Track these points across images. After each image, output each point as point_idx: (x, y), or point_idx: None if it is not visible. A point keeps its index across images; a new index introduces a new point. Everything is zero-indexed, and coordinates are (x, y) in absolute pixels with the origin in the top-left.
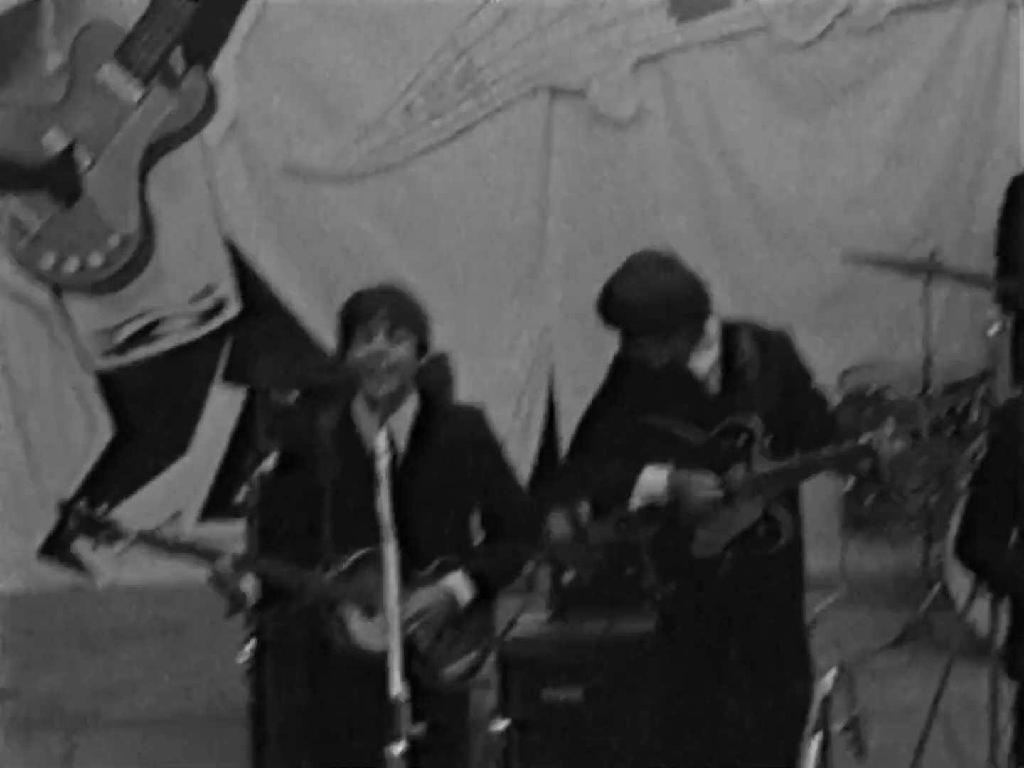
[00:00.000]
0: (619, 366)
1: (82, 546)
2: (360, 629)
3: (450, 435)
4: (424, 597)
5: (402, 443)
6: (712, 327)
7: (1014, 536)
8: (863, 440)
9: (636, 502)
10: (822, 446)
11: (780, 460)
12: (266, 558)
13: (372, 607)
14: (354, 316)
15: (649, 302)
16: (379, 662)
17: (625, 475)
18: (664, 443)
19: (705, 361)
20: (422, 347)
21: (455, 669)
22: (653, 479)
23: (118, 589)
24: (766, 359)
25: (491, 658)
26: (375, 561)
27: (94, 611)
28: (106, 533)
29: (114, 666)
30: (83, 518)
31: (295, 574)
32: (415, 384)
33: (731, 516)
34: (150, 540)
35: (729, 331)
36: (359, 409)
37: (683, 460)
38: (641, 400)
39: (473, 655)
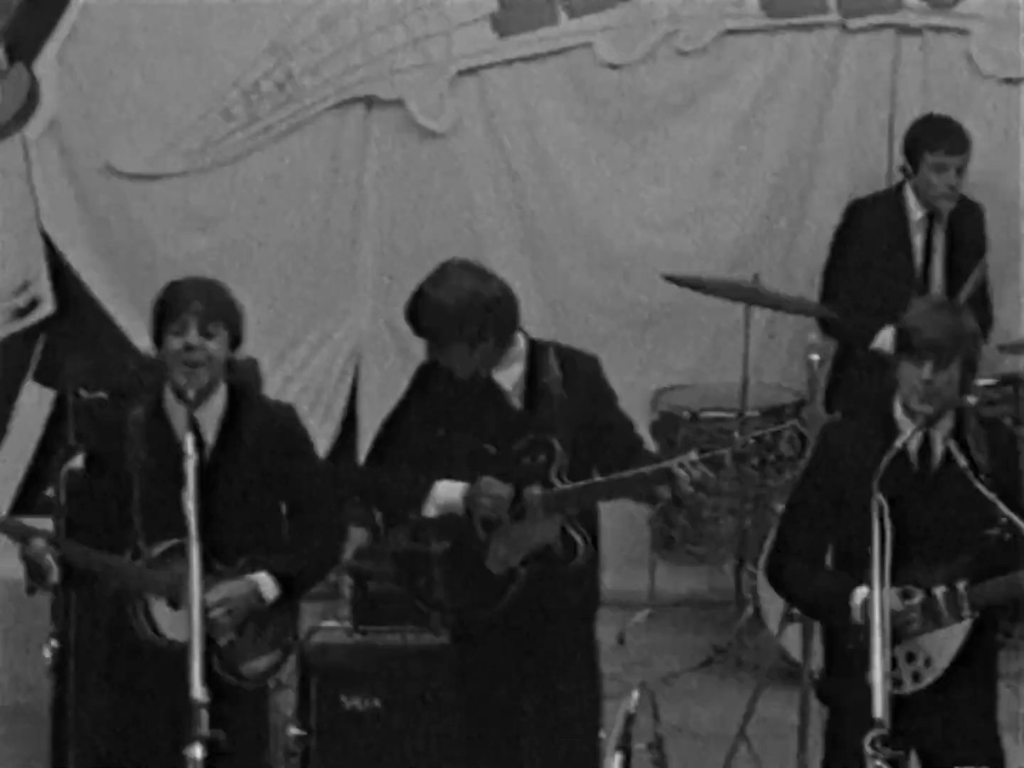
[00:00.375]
0: (424, 374)
1: None
2: (164, 619)
3: (260, 429)
4: (228, 587)
5: (210, 436)
6: (520, 341)
7: (829, 560)
8: (662, 465)
9: (430, 510)
10: (623, 470)
11: (578, 480)
12: (76, 543)
13: (178, 598)
14: (167, 308)
15: (459, 309)
16: (178, 656)
17: (421, 485)
18: (464, 456)
19: (510, 375)
20: (235, 341)
21: (255, 666)
22: (447, 491)
23: None
24: (572, 380)
25: (291, 661)
26: (183, 552)
27: None
28: None
29: None
30: None
31: (103, 559)
32: (225, 378)
33: (526, 532)
34: None
35: (536, 349)
36: (169, 401)
37: (481, 471)
38: (443, 410)
39: (274, 653)
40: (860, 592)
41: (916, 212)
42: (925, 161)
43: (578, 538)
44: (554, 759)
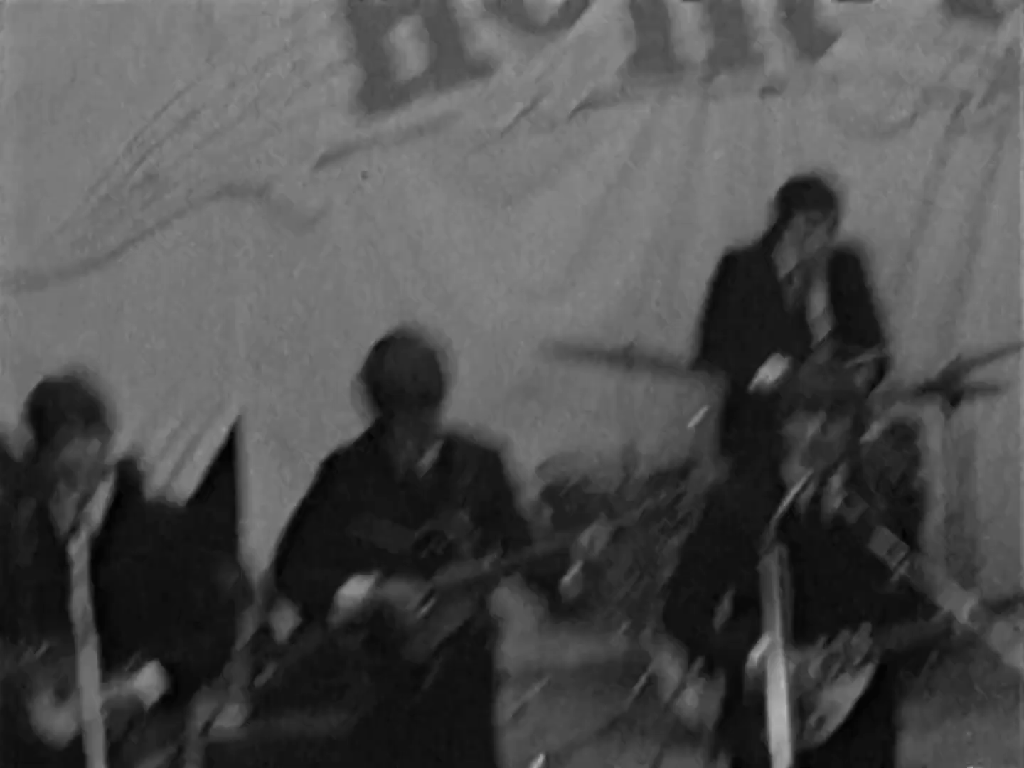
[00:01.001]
0: (333, 466)
1: None
2: (45, 715)
3: (145, 525)
4: (111, 693)
5: (95, 528)
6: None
7: (725, 610)
8: (562, 543)
9: (337, 617)
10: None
11: (483, 560)
12: None
13: (63, 692)
14: (44, 412)
15: (444, 368)
16: (64, 754)
17: (329, 586)
18: (370, 549)
19: (428, 459)
20: (109, 433)
21: (148, 765)
22: (351, 594)
23: None
24: (476, 470)
25: (190, 754)
26: (68, 651)
27: None
28: None
29: None
30: None
31: None
32: (107, 468)
33: (439, 620)
34: None
35: (447, 435)
36: (54, 501)
37: (386, 567)
38: (352, 498)
39: (164, 751)
40: (755, 654)
41: (789, 262)
42: (796, 219)
43: (493, 616)
44: None
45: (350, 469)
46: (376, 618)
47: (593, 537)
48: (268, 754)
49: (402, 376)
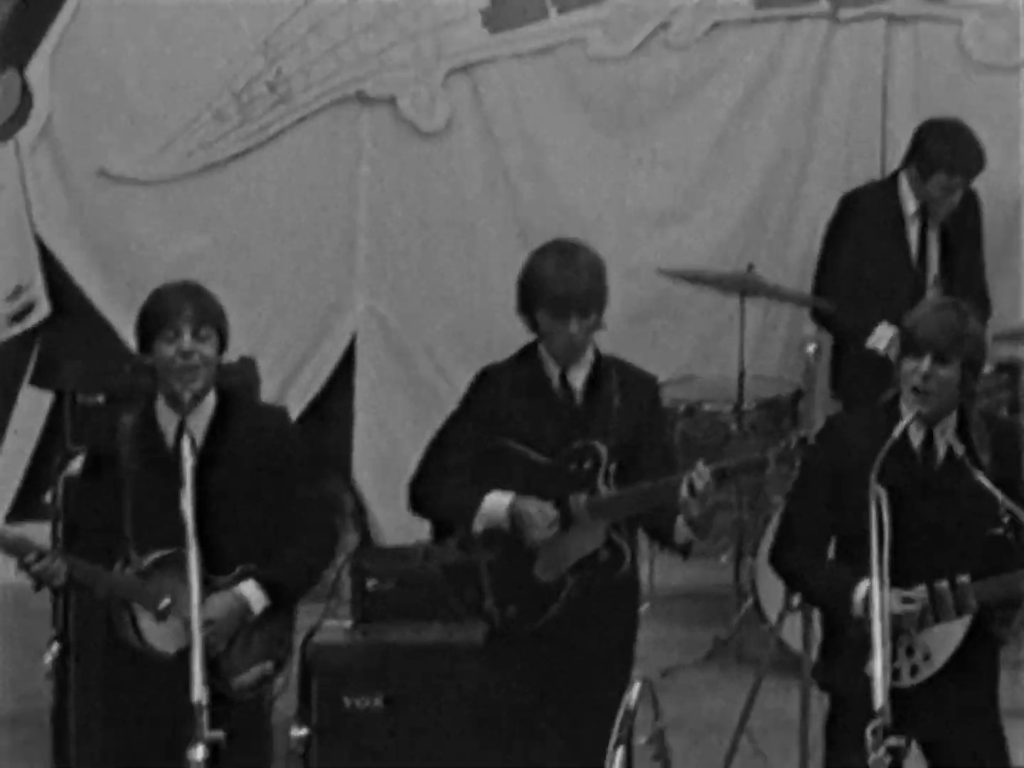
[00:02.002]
0: (484, 380)
1: None
2: (151, 630)
3: (250, 434)
4: (215, 606)
5: (199, 441)
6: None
7: (831, 551)
8: (721, 465)
9: (478, 527)
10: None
11: (622, 488)
12: (69, 554)
13: (163, 613)
14: (157, 314)
15: (602, 275)
16: (171, 665)
17: (471, 497)
18: (513, 462)
19: (579, 376)
20: (223, 345)
21: (245, 679)
22: (494, 506)
23: None
24: (630, 394)
25: (289, 667)
26: (173, 563)
27: None
28: None
29: None
30: None
31: (92, 571)
32: (214, 383)
33: (573, 541)
34: None
35: (601, 358)
36: (160, 407)
37: (530, 480)
38: (502, 415)
39: (265, 665)
40: (862, 587)
41: (910, 204)
42: (936, 178)
43: (624, 545)
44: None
45: (503, 382)
46: (511, 535)
47: (694, 479)
48: (371, 660)
49: (548, 277)
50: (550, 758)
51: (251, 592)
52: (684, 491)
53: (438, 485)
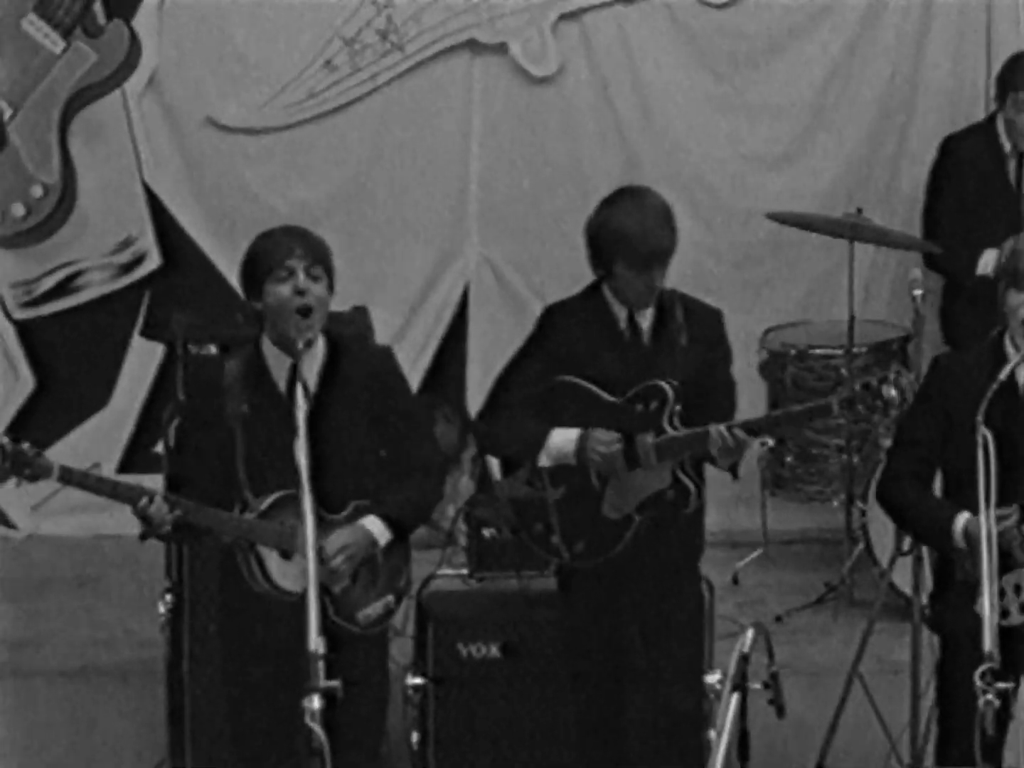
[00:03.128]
0: (552, 317)
1: (0, 495)
2: (277, 569)
3: (359, 374)
4: (345, 535)
5: (312, 385)
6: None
7: (938, 488)
8: (801, 408)
9: (544, 460)
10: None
11: (688, 428)
12: (187, 499)
13: (289, 548)
14: (268, 258)
15: (668, 231)
16: (297, 604)
17: (537, 432)
18: (580, 400)
19: (646, 316)
20: (330, 286)
21: (369, 612)
22: (562, 441)
23: (37, 540)
24: (695, 330)
25: (405, 605)
26: (291, 502)
27: (13, 562)
28: (30, 470)
29: (31, 617)
30: (8, 453)
31: (213, 515)
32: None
33: (640, 479)
34: (72, 477)
35: (664, 295)
36: (269, 351)
37: (597, 419)
38: (569, 353)
39: (388, 598)
40: (960, 519)
41: (1006, 144)
42: (1010, 99)
43: (690, 485)
44: (659, 703)
45: (571, 321)
46: (579, 468)
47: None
48: (487, 608)
49: (630, 231)
50: (635, 697)
51: (375, 526)
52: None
53: (504, 420)
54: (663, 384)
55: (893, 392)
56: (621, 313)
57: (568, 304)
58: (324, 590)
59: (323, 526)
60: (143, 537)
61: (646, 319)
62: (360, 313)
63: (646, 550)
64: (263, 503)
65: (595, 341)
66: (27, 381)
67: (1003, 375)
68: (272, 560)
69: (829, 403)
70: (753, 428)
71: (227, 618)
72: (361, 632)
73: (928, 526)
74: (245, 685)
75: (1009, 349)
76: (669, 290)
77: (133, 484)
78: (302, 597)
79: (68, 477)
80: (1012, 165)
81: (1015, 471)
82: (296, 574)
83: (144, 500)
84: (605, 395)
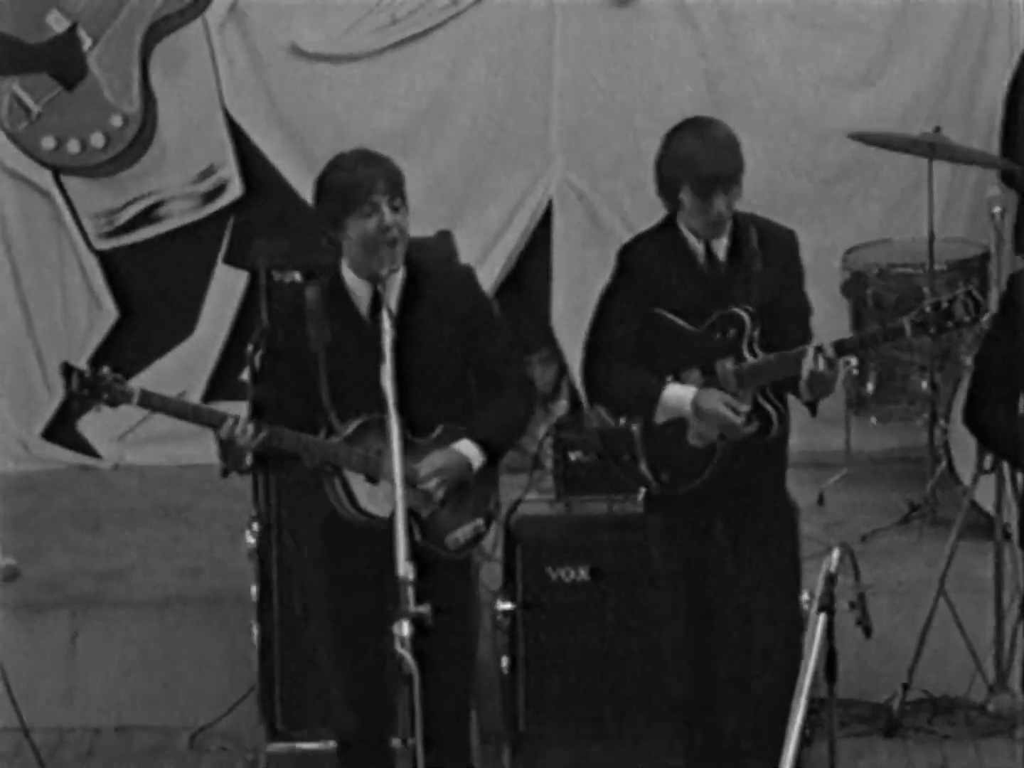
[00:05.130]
0: (629, 254)
1: (86, 426)
2: (364, 494)
3: (440, 296)
4: (439, 458)
5: (393, 308)
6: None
7: (1022, 405)
8: (862, 334)
9: (660, 418)
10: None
11: (767, 353)
12: (274, 426)
13: (376, 472)
14: (351, 189)
15: (732, 157)
16: (384, 527)
17: (650, 389)
18: (665, 332)
19: (721, 244)
20: (407, 206)
21: (459, 535)
22: (678, 401)
23: (122, 470)
24: (769, 254)
25: (494, 531)
26: (377, 427)
27: (98, 492)
28: (109, 395)
29: (118, 548)
30: (87, 379)
31: (301, 438)
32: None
33: (721, 405)
34: (152, 401)
35: (738, 220)
36: (350, 278)
37: (679, 350)
38: (651, 287)
39: (477, 522)
40: None
41: None
42: None
43: (771, 410)
44: (759, 620)
45: (648, 256)
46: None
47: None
48: (574, 532)
49: (692, 157)
50: (734, 615)
51: (469, 450)
52: (809, 365)
53: (611, 369)
54: (740, 311)
55: (963, 312)
56: (697, 245)
57: (644, 239)
58: (412, 514)
59: (411, 450)
60: (225, 473)
61: (722, 247)
62: (444, 237)
63: (732, 476)
64: (348, 428)
65: (673, 274)
66: (110, 312)
67: None
68: (359, 485)
69: (901, 325)
70: (834, 350)
71: (315, 544)
72: (450, 556)
73: (1016, 447)
74: (337, 611)
75: None
76: (744, 214)
77: (214, 409)
78: (390, 521)
79: (148, 401)
80: None
81: None
82: (383, 498)
83: (230, 421)
84: (686, 325)
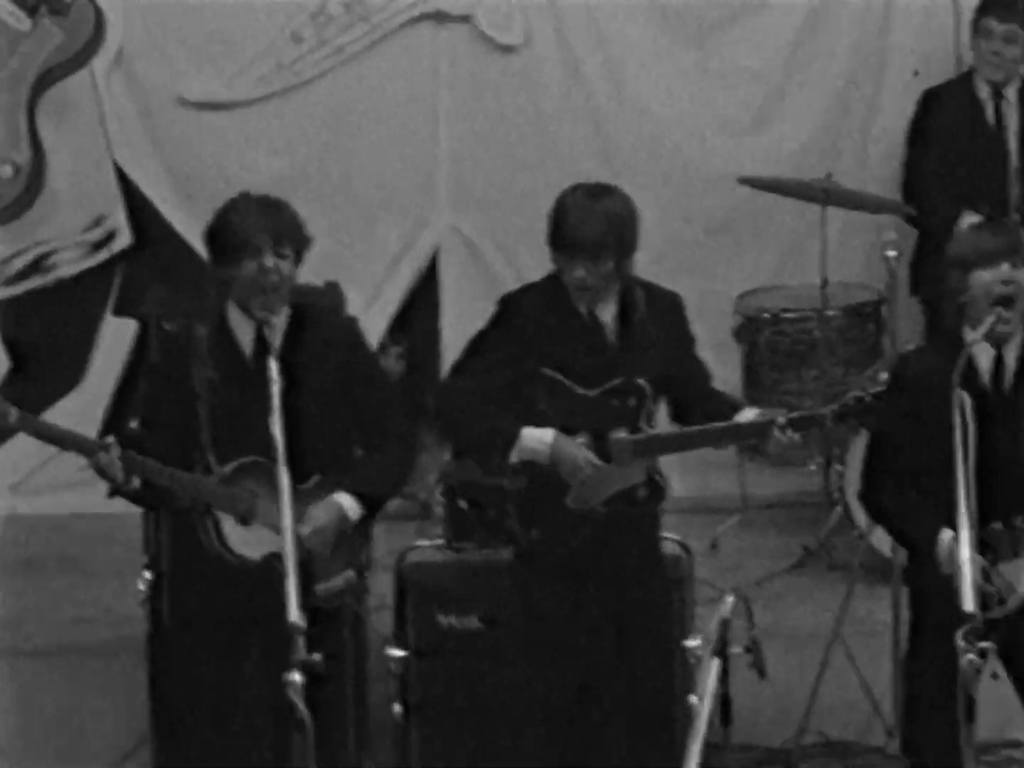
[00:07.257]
0: (508, 307)
1: None
2: (234, 535)
3: (323, 343)
4: (323, 515)
5: (279, 348)
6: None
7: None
8: (758, 422)
9: (514, 458)
10: (699, 413)
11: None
12: (149, 460)
13: (248, 515)
14: (234, 234)
15: (621, 220)
16: (253, 570)
17: (506, 426)
18: (551, 391)
19: (609, 311)
20: (299, 259)
21: (329, 586)
22: (535, 443)
23: (14, 519)
24: (657, 319)
25: (369, 577)
26: (254, 470)
27: None
28: None
29: (10, 597)
30: None
31: (170, 474)
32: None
33: (612, 475)
34: (29, 424)
35: (627, 284)
36: (235, 317)
37: (570, 411)
38: (533, 345)
39: (348, 573)
40: (945, 536)
41: (982, 90)
42: (977, 27)
43: (664, 482)
44: (631, 685)
45: (530, 311)
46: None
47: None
48: (465, 579)
49: (561, 219)
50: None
51: (347, 502)
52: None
53: (469, 409)
54: (640, 382)
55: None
56: (579, 306)
57: (529, 292)
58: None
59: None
60: (111, 494)
61: (608, 314)
62: (333, 288)
63: (606, 542)
64: (226, 468)
65: (557, 331)
66: (1, 361)
67: (974, 336)
68: (230, 526)
69: (824, 414)
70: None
71: (191, 586)
72: (319, 605)
73: (913, 536)
74: (209, 652)
75: (968, 338)
76: (631, 278)
77: (88, 437)
78: (260, 564)
79: (26, 423)
80: (991, 110)
81: (984, 465)
82: (254, 541)
83: (101, 453)
84: (576, 387)
